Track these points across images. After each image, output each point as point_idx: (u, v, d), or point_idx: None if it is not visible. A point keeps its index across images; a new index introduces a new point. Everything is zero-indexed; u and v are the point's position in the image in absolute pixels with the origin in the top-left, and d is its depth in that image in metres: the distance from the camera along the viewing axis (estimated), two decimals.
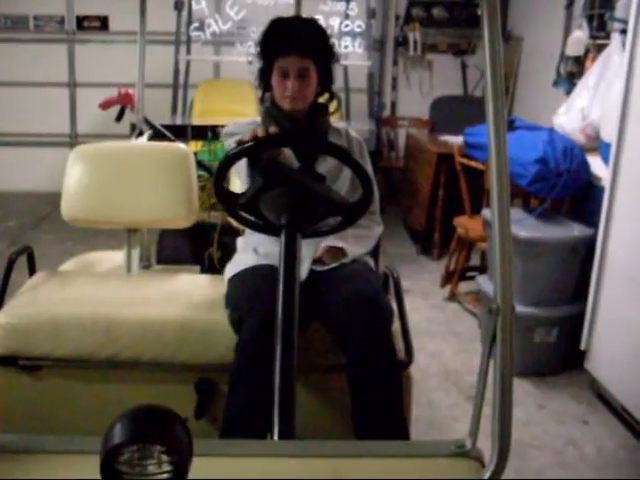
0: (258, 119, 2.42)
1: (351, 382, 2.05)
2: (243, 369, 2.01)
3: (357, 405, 2.04)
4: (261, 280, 2.15)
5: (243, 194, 2.06)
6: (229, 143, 2.38)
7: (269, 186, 1.99)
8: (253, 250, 2.32)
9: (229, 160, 2.02)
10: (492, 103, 1.32)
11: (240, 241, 2.46)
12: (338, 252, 2.30)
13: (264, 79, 2.35)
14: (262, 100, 2.43)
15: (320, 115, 2.39)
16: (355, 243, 2.35)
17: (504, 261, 1.28)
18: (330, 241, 2.30)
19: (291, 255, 1.89)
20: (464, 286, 4.67)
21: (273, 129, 1.97)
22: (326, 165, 2.27)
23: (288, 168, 2.03)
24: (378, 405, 2.02)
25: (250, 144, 1.98)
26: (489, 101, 1.32)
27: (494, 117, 1.31)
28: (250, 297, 2.10)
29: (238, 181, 2.54)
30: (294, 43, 2.25)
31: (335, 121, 2.50)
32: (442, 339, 4.11)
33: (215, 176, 2.05)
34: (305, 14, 3.85)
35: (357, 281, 2.17)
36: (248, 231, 2.41)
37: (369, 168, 2.44)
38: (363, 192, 2.05)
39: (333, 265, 2.26)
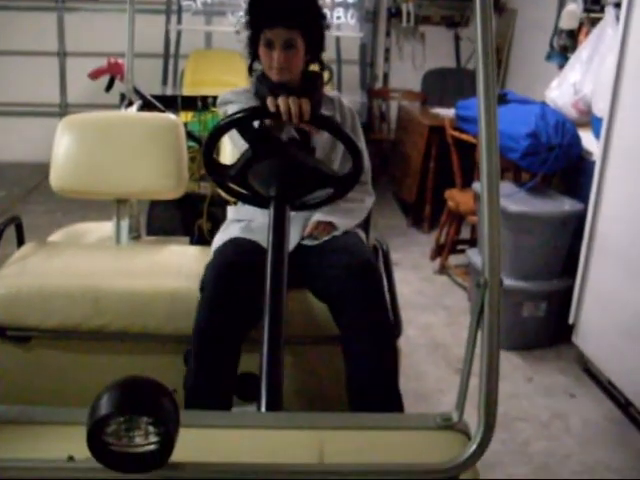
0: (250, 88, 2.40)
1: (346, 352, 2.04)
2: (203, 331, 2.01)
3: (352, 376, 2.02)
4: (240, 253, 2.15)
5: (232, 166, 2.05)
6: (224, 110, 2.36)
7: (258, 157, 1.98)
8: (242, 222, 2.31)
9: (219, 130, 2.01)
10: (483, 77, 1.31)
11: (230, 210, 2.44)
12: (328, 226, 2.30)
13: (252, 49, 2.32)
14: (250, 69, 2.40)
15: (314, 84, 2.35)
16: (345, 216, 2.35)
17: (492, 235, 1.27)
18: (320, 216, 2.30)
19: (280, 227, 1.90)
20: (454, 259, 4.68)
21: (306, 105, 1.94)
22: (321, 136, 2.26)
23: (277, 139, 2.02)
24: (374, 376, 2.01)
25: (241, 114, 1.97)
26: (480, 75, 1.31)
27: (484, 91, 1.30)
28: (221, 265, 2.10)
29: (228, 152, 2.52)
30: (280, 14, 2.22)
31: (328, 90, 2.47)
32: (431, 312, 4.12)
33: (205, 146, 2.04)
34: None
35: (350, 252, 2.17)
36: (239, 203, 2.40)
37: (362, 138, 2.44)
38: (352, 165, 2.05)
39: (324, 239, 2.25)
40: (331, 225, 2.30)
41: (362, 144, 2.32)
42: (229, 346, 2.00)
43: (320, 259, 2.17)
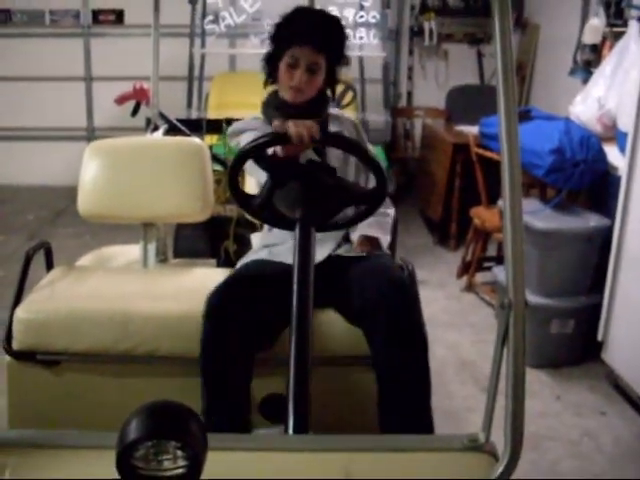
0: (260, 115, 2.42)
1: (381, 373, 2.01)
2: (206, 351, 2.01)
3: (386, 397, 2.00)
4: (260, 271, 2.16)
5: (257, 196, 2.07)
6: (236, 142, 2.38)
7: (278, 184, 2.00)
8: (267, 248, 2.32)
9: (235, 166, 2.04)
10: (503, 94, 1.32)
11: (255, 237, 2.46)
12: (374, 241, 2.32)
13: (271, 65, 2.33)
14: (265, 85, 2.40)
15: (321, 104, 2.37)
16: (383, 232, 2.37)
17: (516, 255, 1.28)
18: (364, 230, 2.31)
19: (306, 248, 1.90)
20: (481, 277, 4.66)
21: (315, 127, 1.95)
22: (333, 153, 2.27)
23: (293, 163, 2.04)
24: (408, 398, 1.99)
25: (253, 144, 1.99)
26: (500, 92, 1.32)
27: (505, 109, 1.31)
28: (239, 281, 2.11)
29: (252, 180, 2.54)
30: (313, 35, 2.24)
31: (332, 108, 2.49)
32: (458, 330, 4.10)
33: (229, 181, 2.07)
34: (319, 6, 3.85)
35: (383, 271, 2.15)
36: (265, 229, 2.42)
37: (369, 146, 2.46)
38: (375, 178, 2.05)
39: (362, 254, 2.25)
40: (376, 241, 2.32)
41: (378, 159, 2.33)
42: (232, 367, 1.99)
43: (351, 280, 2.15)
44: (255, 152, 2.01)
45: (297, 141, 1.93)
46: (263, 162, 2.03)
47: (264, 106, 2.39)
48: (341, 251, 2.26)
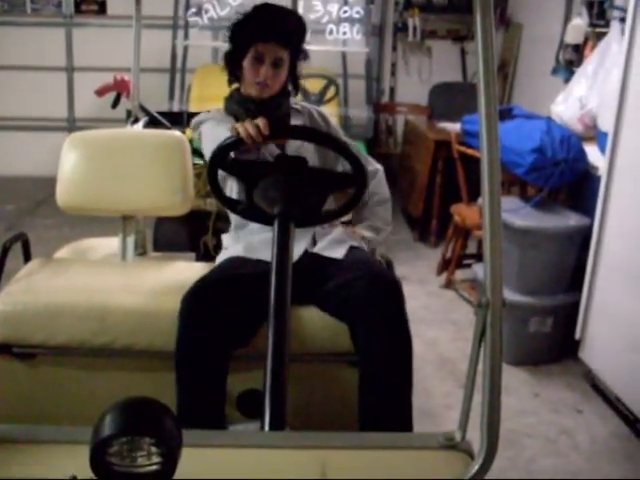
0: (221, 108, 2.46)
1: (365, 369, 2.00)
2: (181, 348, 2.00)
3: (367, 392, 1.99)
4: (237, 268, 2.16)
5: (240, 202, 2.09)
6: (198, 132, 2.42)
7: (251, 185, 2.02)
8: (242, 243, 2.32)
9: (211, 177, 2.06)
10: (484, 92, 1.31)
11: (225, 238, 2.46)
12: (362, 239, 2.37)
13: (234, 63, 2.36)
14: (230, 83, 2.44)
15: (283, 98, 2.40)
16: (376, 232, 2.48)
17: (494, 254, 1.27)
18: (361, 228, 2.41)
19: (284, 243, 1.90)
20: (460, 274, 4.68)
21: (262, 122, 1.98)
22: (293, 145, 2.30)
23: (263, 163, 2.05)
24: (392, 394, 1.99)
25: (228, 142, 2.01)
26: (481, 90, 1.31)
27: (486, 107, 1.30)
28: (214, 278, 2.10)
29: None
30: (277, 31, 2.27)
31: (297, 102, 2.53)
32: (438, 327, 4.12)
33: (209, 184, 2.09)
34: (302, 1, 3.85)
35: (365, 266, 2.15)
36: (233, 227, 2.42)
37: (340, 133, 2.48)
38: (347, 160, 2.06)
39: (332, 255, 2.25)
40: (364, 240, 2.38)
41: (343, 140, 2.34)
42: (207, 364, 1.98)
43: (333, 274, 2.14)
44: (219, 160, 2.04)
45: (248, 140, 1.97)
46: (230, 169, 2.06)
47: (226, 101, 2.44)
48: (317, 248, 2.25)
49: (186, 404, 1.99)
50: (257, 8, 2.33)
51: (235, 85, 2.45)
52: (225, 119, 2.36)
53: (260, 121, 1.98)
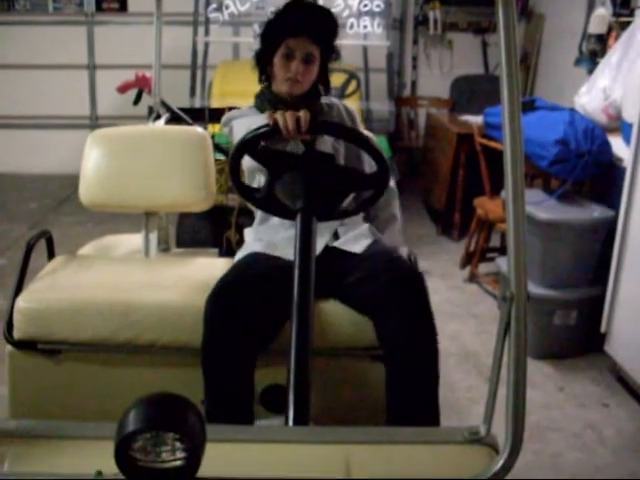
0: (252, 105, 2.45)
1: (390, 362, 2.00)
2: (206, 345, 2.00)
3: (395, 386, 1.98)
4: (259, 265, 2.15)
5: (259, 189, 2.08)
6: (228, 128, 2.40)
7: (276, 177, 2.01)
8: (262, 241, 2.32)
9: (235, 154, 2.05)
10: (507, 85, 1.30)
11: (248, 233, 2.45)
12: None
13: (262, 59, 2.36)
14: (261, 80, 2.43)
15: (313, 97, 2.39)
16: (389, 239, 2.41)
17: (518, 247, 1.26)
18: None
19: (307, 238, 1.90)
20: (484, 267, 4.65)
21: (304, 115, 1.97)
22: (324, 142, 2.29)
23: (288, 154, 2.04)
24: (417, 390, 1.98)
25: (248, 137, 2.00)
26: (504, 83, 1.31)
27: (509, 99, 1.29)
28: (223, 282, 2.08)
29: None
30: (307, 26, 2.27)
31: (326, 97, 2.50)
32: (461, 321, 4.10)
33: (230, 172, 2.08)
34: None
35: (393, 259, 2.15)
36: (257, 223, 2.42)
37: (362, 128, 2.48)
38: (374, 159, 2.05)
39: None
40: None
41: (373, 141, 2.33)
42: (235, 361, 1.99)
43: (358, 268, 2.14)
44: (248, 146, 2.02)
45: (285, 132, 1.96)
46: (258, 156, 2.05)
47: (257, 98, 2.43)
48: (338, 242, 2.24)
49: (214, 401, 1.99)
50: (289, 4, 2.33)
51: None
52: (257, 117, 2.34)
53: (303, 114, 1.97)
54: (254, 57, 2.41)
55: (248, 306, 1.99)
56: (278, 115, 1.98)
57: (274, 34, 2.31)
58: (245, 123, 2.31)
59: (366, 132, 2.54)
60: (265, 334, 2.04)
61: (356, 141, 2.13)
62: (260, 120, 2.16)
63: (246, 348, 2.00)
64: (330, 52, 2.37)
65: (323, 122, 2.15)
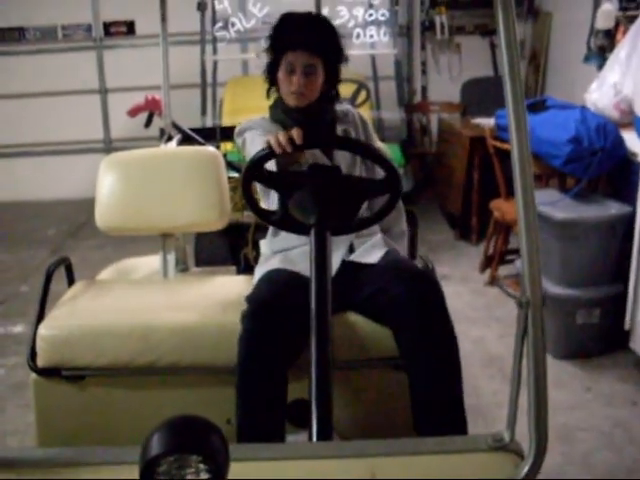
0: (267, 115, 2.45)
1: (413, 372, 2.00)
2: (244, 364, 2.00)
3: (420, 397, 1.99)
4: (283, 281, 2.15)
5: (274, 212, 2.09)
6: (242, 139, 2.40)
7: (287, 196, 2.02)
8: (280, 253, 2.32)
9: (245, 188, 2.06)
10: (510, 86, 1.30)
11: (264, 244, 2.46)
12: None
13: (271, 74, 2.36)
14: (268, 94, 2.44)
15: (326, 105, 2.39)
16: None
17: (531, 252, 1.26)
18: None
19: (321, 254, 1.90)
20: (504, 270, 4.63)
21: (296, 132, 1.97)
22: (340, 153, 2.30)
23: (295, 173, 2.04)
24: (442, 396, 1.98)
25: (260, 154, 2.01)
26: (507, 85, 1.31)
27: (513, 101, 1.30)
28: (258, 300, 2.09)
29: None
30: (303, 38, 2.27)
31: (340, 104, 2.50)
32: (484, 324, 4.08)
33: (244, 196, 2.10)
34: (328, 6, 3.84)
35: (409, 267, 2.17)
36: (270, 234, 2.42)
37: (378, 144, 2.47)
38: (381, 167, 2.05)
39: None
40: None
41: (382, 150, 2.33)
42: (270, 379, 2.00)
43: (374, 279, 2.14)
44: (253, 173, 2.04)
45: (278, 151, 1.95)
46: (265, 180, 2.06)
47: (272, 110, 2.43)
48: (354, 255, 2.25)
49: (248, 419, 2.00)
50: (282, 19, 2.34)
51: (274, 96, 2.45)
52: (271, 127, 2.35)
53: (294, 131, 1.98)
54: (263, 72, 2.42)
55: (282, 324, 2.00)
56: (270, 138, 1.99)
57: (275, 49, 2.32)
58: (257, 135, 2.31)
59: (378, 143, 2.54)
60: (295, 350, 2.04)
61: (358, 150, 2.14)
62: (273, 131, 2.17)
63: (281, 366, 2.01)
64: (334, 58, 2.35)
65: (315, 135, 2.15)
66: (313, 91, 2.30)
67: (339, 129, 2.40)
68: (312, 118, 2.31)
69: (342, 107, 2.51)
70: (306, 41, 2.27)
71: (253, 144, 2.26)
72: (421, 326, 1.99)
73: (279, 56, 2.29)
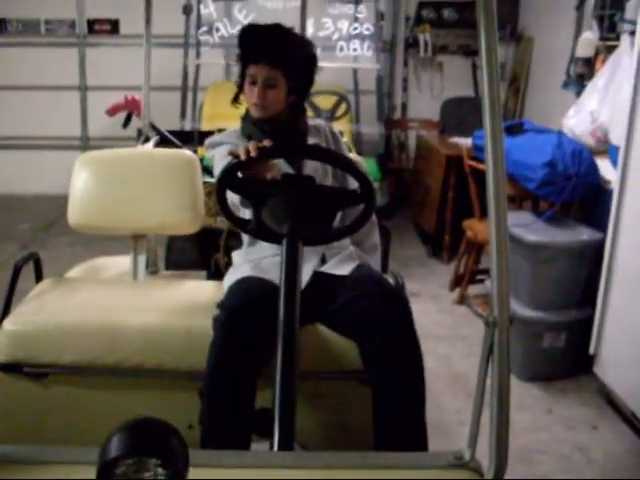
0: (238, 128, 2.47)
1: (376, 386, 2.01)
2: (215, 371, 2.00)
3: (381, 411, 1.98)
4: (256, 289, 2.15)
5: (249, 221, 2.08)
6: (212, 154, 2.40)
7: (259, 205, 2.01)
8: (251, 263, 2.32)
9: (223, 180, 2.05)
10: (489, 108, 1.32)
11: (236, 255, 2.46)
12: None
13: (240, 82, 2.38)
14: (235, 100, 2.46)
15: (295, 116, 2.40)
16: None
17: (501, 273, 1.27)
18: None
19: (292, 263, 1.89)
20: (473, 289, 4.66)
21: (267, 142, 1.97)
22: (311, 164, 2.31)
23: (268, 182, 2.04)
24: (404, 413, 1.98)
25: (229, 164, 2.01)
26: (486, 105, 1.32)
27: (490, 123, 1.31)
28: (230, 308, 2.08)
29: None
30: (264, 52, 2.27)
31: (313, 119, 2.52)
32: (450, 343, 4.10)
33: (219, 204, 2.09)
34: (313, 17, 3.85)
35: (373, 282, 2.16)
36: (245, 245, 2.42)
37: (351, 156, 2.49)
38: (353, 176, 2.04)
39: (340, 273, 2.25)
40: None
41: (351, 159, 2.34)
42: (240, 387, 1.99)
43: (342, 292, 2.15)
44: (226, 182, 2.03)
45: (244, 157, 1.95)
46: (238, 189, 2.06)
47: (243, 121, 2.46)
48: (325, 267, 2.25)
49: (214, 426, 1.99)
50: (244, 30, 2.33)
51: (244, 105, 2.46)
52: (239, 141, 2.36)
53: (265, 141, 1.97)
54: (235, 81, 2.43)
55: (255, 333, 2.00)
56: (240, 148, 1.98)
57: (240, 60, 2.34)
58: (225, 151, 2.29)
59: (353, 155, 2.55)
60: (264, 358, 2.03)
61: (327, 159, 2.15)
62: (241, 145, 2.17)
63: (251, 374, 2.01)
64: (299, 71, 2.33)
65: (287, 145, 2.16)
66: (273, 104, 2.30)
67: (310, 141, 2.40)
68: (282, 129, 2.31)
69: (314, 121, 2.52)
70: (267, 54, 2.27)
71: (222, 161, 2.26)
72: (387, 341, 1.99)
73: (243, 67, 2.32)
